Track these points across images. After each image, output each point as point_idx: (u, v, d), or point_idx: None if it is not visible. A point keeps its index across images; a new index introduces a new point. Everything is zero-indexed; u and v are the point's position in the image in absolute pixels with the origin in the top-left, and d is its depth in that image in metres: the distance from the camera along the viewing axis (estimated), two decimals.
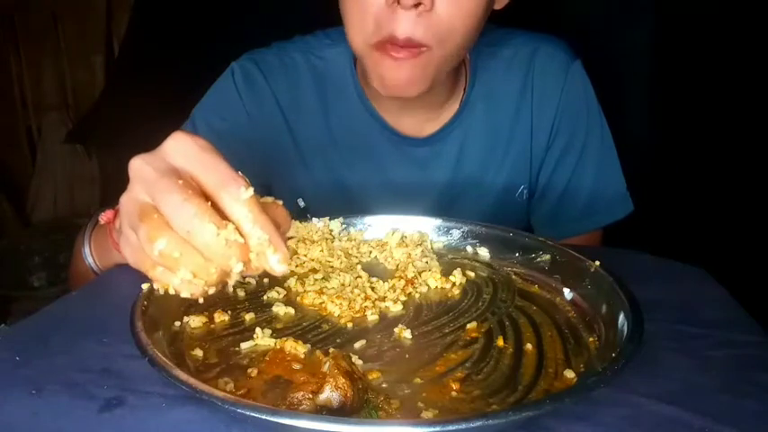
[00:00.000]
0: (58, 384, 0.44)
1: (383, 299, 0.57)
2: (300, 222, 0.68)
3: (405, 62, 0.71)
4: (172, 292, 0.42)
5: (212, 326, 0.53)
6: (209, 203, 0.40)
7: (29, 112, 2.44)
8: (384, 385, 0.44)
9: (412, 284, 0.60)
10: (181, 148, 0.42)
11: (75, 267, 0.74)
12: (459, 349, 0.49)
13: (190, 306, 0.54)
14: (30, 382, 0.44)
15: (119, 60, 2.30)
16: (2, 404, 0.42)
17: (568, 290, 0.59)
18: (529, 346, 0.50)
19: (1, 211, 2.33)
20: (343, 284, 0.59)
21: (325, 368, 0.41)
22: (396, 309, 0.56)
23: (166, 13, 1.99)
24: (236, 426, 0.39)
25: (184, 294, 0.42)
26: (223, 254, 0.40)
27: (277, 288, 0.59)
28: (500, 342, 0.50)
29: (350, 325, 0.53)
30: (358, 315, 0.55)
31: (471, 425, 0.35)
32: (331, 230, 0.69)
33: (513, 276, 0.63)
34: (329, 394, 0.38)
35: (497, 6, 0.79)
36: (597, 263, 0.57)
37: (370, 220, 0.71)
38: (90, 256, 0.71)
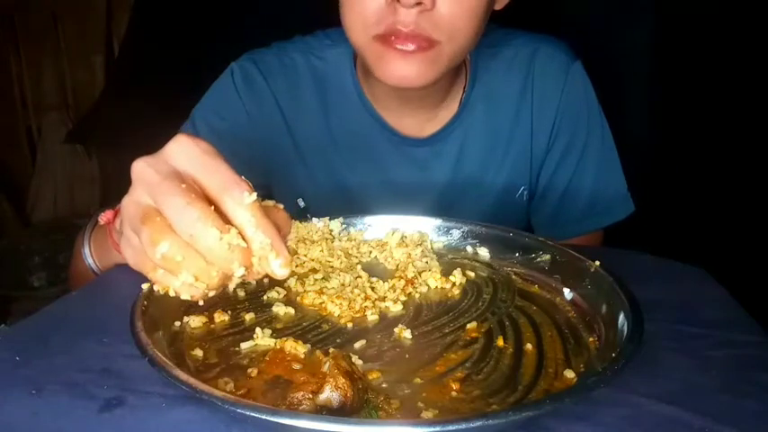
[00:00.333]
0: (58, 384, 0.44)
1: (383, 299, 0.57)
2: (300, 222, 0.68)
3: (414, 56, 0.71)
4: (172, 294, 0.42)
5: (212, 326, 0.53)
6: (212, 207, 0.40)
7: (29, 112, 2.44)
8: (384, 385, 0.44)
9: (412, 284, 0.60)
10: (183, 152, 0.42)
11: (75, 267, 0.74)
12: (459, 349, 0.49)
13: (190, 306, 0.54)
14: (30, 382, 0.44)
15: (119, 60, 2.30)
16: (2, 404, 0.42)
17: (568, 290, 0.59)
18: (529, 346, 0.50)
19: (1, 211, 2.33)
20: (343, 284, 0.59)
21: (325, 368, 0.41)
22: (396, 309, 0.56)
23: (166, 13, 2.00)
24: (236, 426, 0.39)
25: (184, 297, 0.42)
26: (226, 258, 0.40)
27: (277, 288, 0.59)
28: (500, 342, 0.50)
29: (350, 325, 0.53)
30: (358, 315, 0.55)
31: (471, 425, 0.35)
32: (331, 230, 0.69)
33: (513, 276, 0.63)
34: (329, 394, 0.38)
35: (497, 7, 0.79)
36: (597, 263, 0.57)
37: (370, 220, 0.71)
38: (90, 256, 0.71)
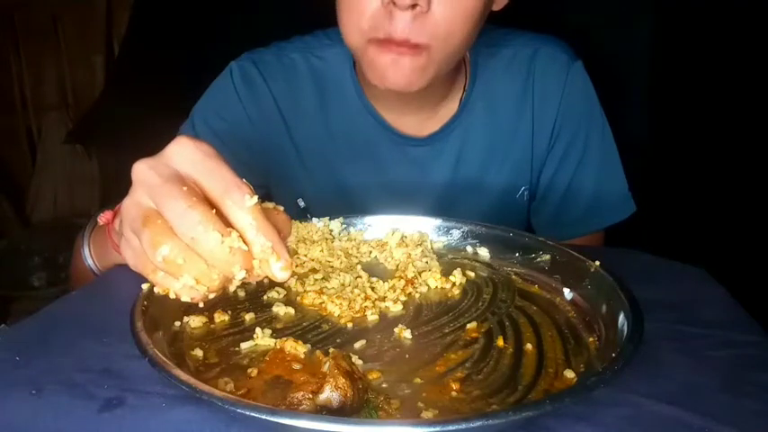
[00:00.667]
0: (58, 384, 0.44)
1: (383, 299, 0.57)
2: (300, 222, 0.68)
3: (404, 58, 0.70)
4: (172, 296, 0.42)
5: (212, 326, 0.53)
6: (213, 210, 0.40)
7: (29, 112, 2.44)
8: (384, 385, 0.44)
9: (412, 284, 0.60)
10: (185, 154, 0.42)
11: (75, 267, 0.74)
12: (459, 349, 0.49)
13: (190, 306, 0.53)
14: (30, 382, 0.44)
15: (119, 60, 2.30)
16: (2, 404, 0.42)
17: (568, 290, 0.59)
18: (529, 346, 0.50)
19: (1, 211, 2.33)
20: (343, 284, 0.59)
21: (325, 368, 0.41)
22: (396, 309, 0.56)
23: (166, 13, 2.00)
24: (236, 426, 0.39)
25: (185, 299, 0.42)
26: (227, 261, 0.40)
27: (277, 288, 0.59)
28: (500, 342, 0.50)
29: (350, 325, 0.53)
30: (358, 315, 0.55)
31: (471, 425, 0.35)
32: (331, 230, 0.69)
33: (513, 276, 0.63)
34: (329, 394, 0.38)
35: (496, 7, 0.79)
36: (597, 263, 0.57)
37: (370, 220, 0.71)
38: (90, 257, 0.71)
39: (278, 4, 1.71)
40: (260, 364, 0.46)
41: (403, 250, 0.66)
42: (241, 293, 0.59)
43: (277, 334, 0.51)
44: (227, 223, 0.41)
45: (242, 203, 0.41)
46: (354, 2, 0.70)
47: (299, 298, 0.58)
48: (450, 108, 0.89)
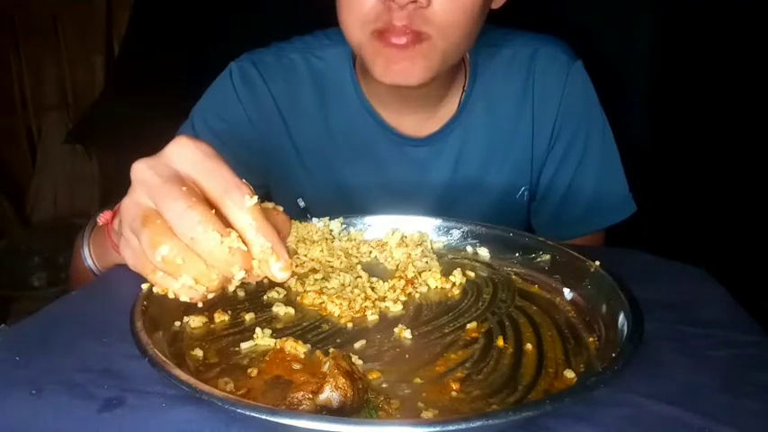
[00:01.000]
0: (58, 384, 0.44)
1: (383, 299, 0.57)
2: (300, 222, 0.68)
3: (407, 50, 0.71)
4: (171, 296, 0.42)
5: (212, 326, 0.53)
6: (213, 211, 0.40)
7: (29, 112, 2.44)
8: (384, 385, 0.44)
9: (412, 284, 0.60)
10: (184, 154, 0.42)
11: (75, 267, 0.74)
12: (460, 349, 0.49)
13: (190, 306, 0.53)
14: (30, 382, 0.44)
15: (119, 60, 2.30)
16: (2, 404, 0.42)
17: (568, 290, 0.59)
18: (529, 346, 0.50)
19: (1, 211, 2.33)
20: (343, 284, 0.59)
21: (325, 368, 0.41)
22: (396, 309, 0.56)
23: (166, 13, 1.99)
24: (236, 426, 0.39)
25: (184, 299, 0.42)
26: (226, 261, 0.40)
27: (277, 288, 0.59)
28: (500, 342, 0.50)
29: (350, 325, 0.53)
30: (358, 315, 0.55)
31: (471, 425, 0.35)
32: (331, 230, 0.69)
33: (513, 276, 0.63)
34: (329, 394, 0.38)
35: (495, 6, 0.79)
36: (597, 263, 0.57)
37: (370, 220, 0.71)
38: (89, 257, 0.71)
39: (278, 4, 1.71)
40: (260, 364, 0.46)
41: (403, 250, 0.66)
42: (241, 293, 0.59)
43: (277, 334, 0.51)
44: (226, 223, 0.41)
45: (241, 204, 0.41)
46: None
47: (299, 298, 0.58)
48: (449, 108, 0.89)
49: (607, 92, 0.92)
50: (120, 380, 0.44)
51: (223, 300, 0.56)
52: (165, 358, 0.42)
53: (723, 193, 1.50)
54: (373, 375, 0.45)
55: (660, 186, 1.40)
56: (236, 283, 0.43)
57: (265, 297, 0.58)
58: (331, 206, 0.91)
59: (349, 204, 0.91)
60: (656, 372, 0.47)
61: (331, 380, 0.39)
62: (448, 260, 0.67)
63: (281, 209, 0.47)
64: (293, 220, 0.65)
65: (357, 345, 0.50)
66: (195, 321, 0.52)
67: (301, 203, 0.92)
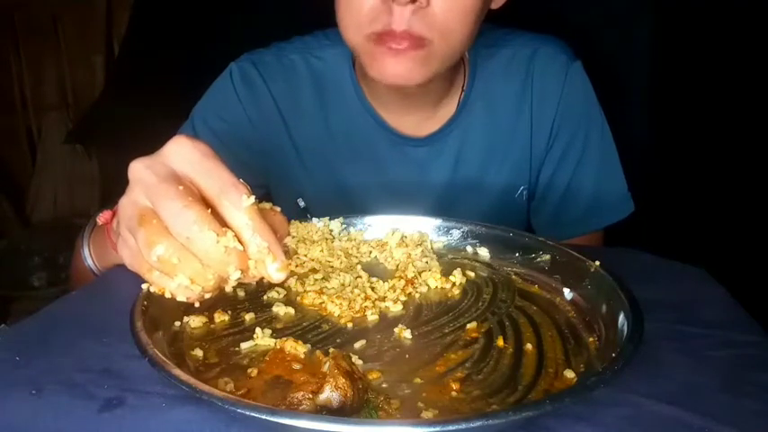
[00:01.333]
0: (58, 384, 0.44)
1: (383, 299, 0.57)
2: (300, 222, 0.68)
3: (405, 54, 0.71)
4: (168, 295, 0.42)
5: (212, 326, 0.53)
6: (209, 210, 0.40)
7: (29, 112, 2.44)
8: (384, 385, 0.44)
9: (412, 284, 0.60)
10: (182, 153, 0.42)
11: (76, 267, 0.74)
12: (460, 349, 0.49)
13: (190, 306, 0.53)
14: (30, 382, 0.44)
15: (119, 60, 2.30)
16: (2, 404, 0.42)
17: (568, 290, 0.59)
18: (529, 346, 0.50)
19: (1, 211, 2.33)
20: (343, 284, 0.59)
21: (325, 368, 0.41)
22: (396, 309, 0.56)
23: (166, 13, 1.99)
24: (236, 426, 0.39)
25: (180, 298, 0.42)
26: (222, 261, 0.40)
27: (277, 288, 0.59)
28: (500, 342, 0.50)
29: (350, 325, 0.53)
30: (358, 315, 0.55)
31: (471, 425, 0.35)
32: (331, 230, 0.69)
33: (513, 276, 0.63)
34: (329, 394, 0.38)
35: (494, 6, 0.79)
36: (597, 263, 0.57)
37: (370, 220, 0.71)
38: (89, 257, 0.71)
39: (278, 4, 1.70)
40: (260, 364, 0.46)
41: (403, 250, 0.66)
42: (241, 293, 0.59)
43: (277, 334, 0.51)
44: (223, 223, 0.41)
45: (238, 203, 0.41)
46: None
47: (299, 298, 0.58)
48: (449, 108, 0.89)
49: (607, 92, 0.93)
50: (120, 380, 0.44)
51: (223, 300, 0.56)
52: (165, 358, 0.42)
53: (723, 193, 1.49)
54: (373, 375, 0.45)
55: (660, 186, 1.40)
56: (232, 283, 0.42)
57: (265, 297, 0.58)
58: (331, 206, 0.91)
59: (349, 204, 0.91)
60: (656, 372, 0.47)
61: (331, 380, 0.39)
62: (448, 260, 0.67)
63: (278, 209, 0.46)
64: (293, 220, 0.65)
65: (357, 345, 0.50)
66: (195, 321, 0.52)
67: (301, 203, 0.92)
